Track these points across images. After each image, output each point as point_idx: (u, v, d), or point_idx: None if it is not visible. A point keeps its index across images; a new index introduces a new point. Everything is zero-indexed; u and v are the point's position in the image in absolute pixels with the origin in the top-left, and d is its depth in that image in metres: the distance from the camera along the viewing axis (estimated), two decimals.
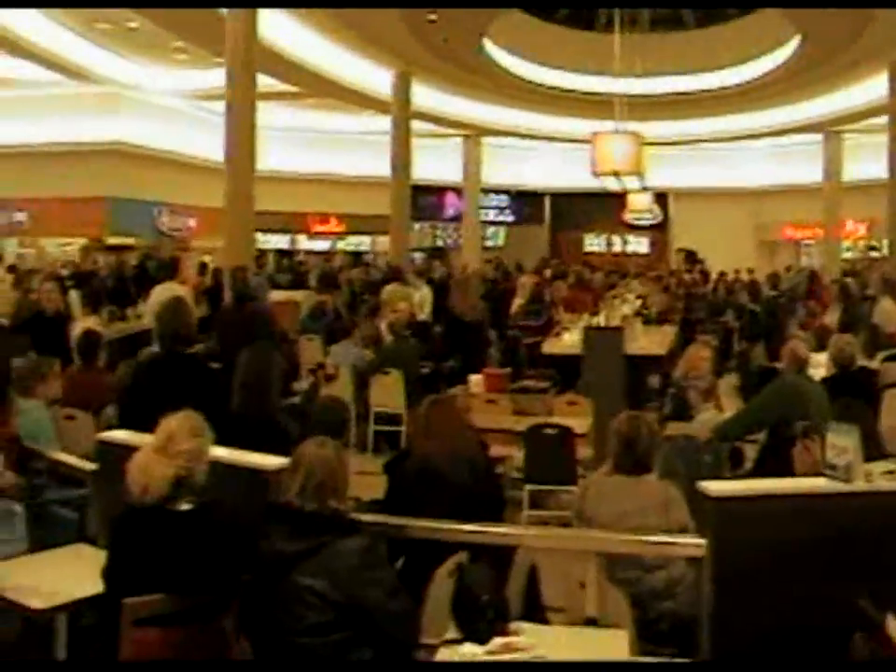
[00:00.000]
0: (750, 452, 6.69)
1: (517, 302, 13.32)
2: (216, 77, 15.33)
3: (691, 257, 24.00)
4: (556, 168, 28.14)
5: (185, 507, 3.68)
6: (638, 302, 15.14)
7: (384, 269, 18.16)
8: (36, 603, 3.96)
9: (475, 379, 9.25)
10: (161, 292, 10.21)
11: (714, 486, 4.03)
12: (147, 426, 4.55)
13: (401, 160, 19.85)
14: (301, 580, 3.37)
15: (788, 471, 4.65)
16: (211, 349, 10.04)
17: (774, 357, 9.83)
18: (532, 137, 26.08)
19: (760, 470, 5.97)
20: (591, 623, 3.97)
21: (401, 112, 19.93)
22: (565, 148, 26.62)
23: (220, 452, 4.13)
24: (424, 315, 13.57)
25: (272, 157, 19.67)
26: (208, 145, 18.38)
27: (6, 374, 5.48)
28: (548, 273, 17.92)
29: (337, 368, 10.26)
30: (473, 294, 12.29)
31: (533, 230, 30.50)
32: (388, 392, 9.97)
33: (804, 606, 3.81)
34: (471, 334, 11.61)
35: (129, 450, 3.97)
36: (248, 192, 13.27)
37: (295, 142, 25.17)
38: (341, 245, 27.82)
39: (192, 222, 23.48)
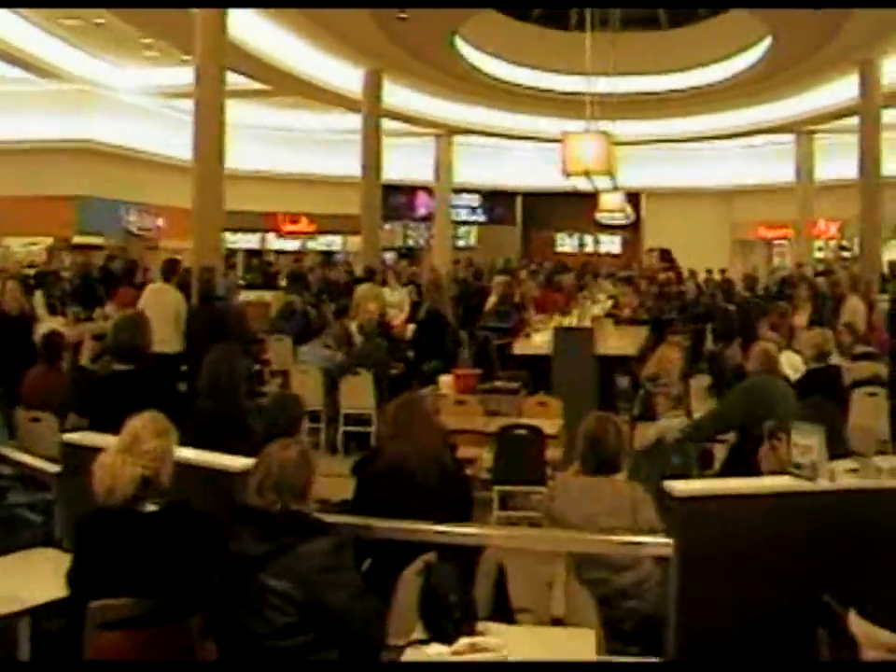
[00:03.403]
0: (721, 453, 6.75)
1: (490, 302, 13.37)
2: (185, 75, 15.27)
3: (665, 255, 24.04)
4: (528, 167, 28.21)
5: (151, 508, 3.69)
6: (609, 303, 15.21)
7: (349, 269, 18.23)
8: None
9: (445, 380, 9.27)
10: (152, 293, 10.28)
11: (679, 486, 4.08)
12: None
13: (372, 159, 19.84)
14: (267, 581, 3.40)
15: (756, 472, 4.70)
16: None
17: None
18: (504, 136, 26.14)
19: (728, 471, 6.03)
20: (558, 622, 4.00)
21: (372, 110, 19.93)
22: (537, 148, 26.68)
23: (186, 453, 4.14)
24: (403, 316, 13.63)
25: (241, 156, 19.57)
26: (177, 143, 18.32)
27: None
28: (523, 273, 17.97)
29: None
30: (445, 295, 12.31)
31: (505, 230, 30.59)
32: (358, 393, 10.00)
33: (768, 604, 3.86)
34: (445, 335, 11.66)
35: (93, 451, 3.96)
36: (217, 191, 13.23)
37: (265, 140, 25.16)
38: (311, 244, 27.83)
39: (161, 222, 23.37)
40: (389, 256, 25.42)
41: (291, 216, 27.58)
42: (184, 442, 4.04)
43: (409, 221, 29.67)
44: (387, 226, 26.30)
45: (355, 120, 20.48)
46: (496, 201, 30.54)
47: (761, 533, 3.93)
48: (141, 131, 21.73)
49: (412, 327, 12.75)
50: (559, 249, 30.98)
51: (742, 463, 5.39)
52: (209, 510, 3.80)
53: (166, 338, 9.47)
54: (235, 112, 15.70)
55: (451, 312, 13.02)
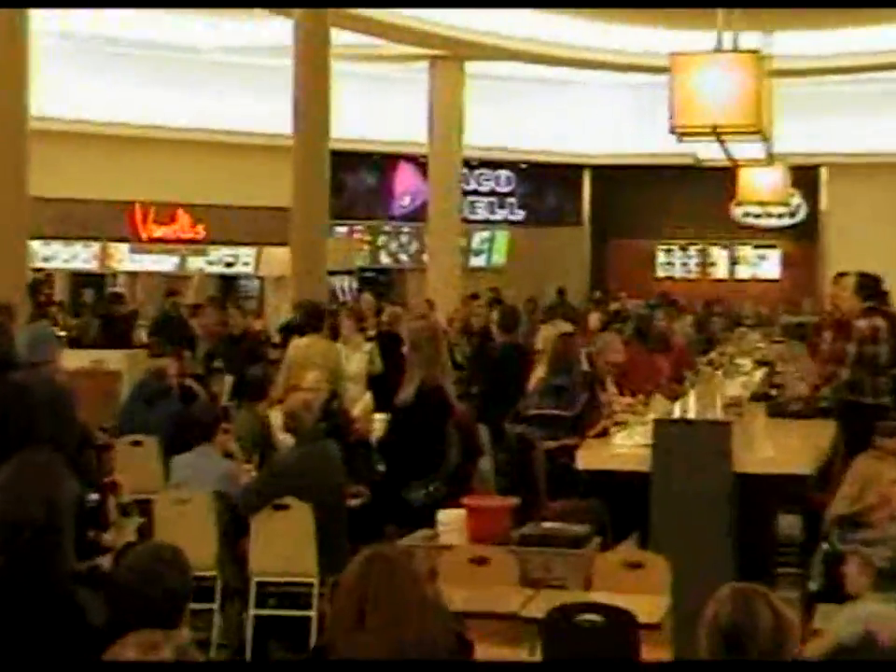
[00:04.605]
0: None
1: (537, 374, 13.38)
2: None
3: (869, 287, 23.87)
4: (603, 122, 28.40)
5: None
6: (761, 373, 15.22)
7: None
8: None
9: (450, 517, 9.24)
10: None
11: None
12: None
13: (312, 104, 19.94)
14: None
15: None
16: None
17: None
18: (558, 63, 26.26)
19: None
20: None
21: (312, 14, 20.06)
22: (619, 85, 26.90)
23: None
24: (368, 398, 13.66)
25: (64, 96, 19.71)
26: None
27: None
28: (594, 318, 18.00)
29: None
30: (447, 361, 12.35)
31: (561, 235, 30.73)
32: (285, 545, 9.98)
33: None
34: (449, 433, 11.69)
35: None
36: (17, 161, 13.31)
37: (110, 67, 25.17)
38: (197, 263, 27.91)
39: None
40: (343, 283, 25.53)
41: (159, 209, 27.63)
42: None
43: (381, 220, 29.79)
44: (341, 230, 26.42)
45: (282, 32, 20.63)
46: (543, 183, 30.72)
47: None
48: None
49: (383, 417, 12.76)
50: (663, 272, 31.15)
51: None
52: None
53: None
54: (51, 15, 15.78)
55: (459, 389, 13.06)
